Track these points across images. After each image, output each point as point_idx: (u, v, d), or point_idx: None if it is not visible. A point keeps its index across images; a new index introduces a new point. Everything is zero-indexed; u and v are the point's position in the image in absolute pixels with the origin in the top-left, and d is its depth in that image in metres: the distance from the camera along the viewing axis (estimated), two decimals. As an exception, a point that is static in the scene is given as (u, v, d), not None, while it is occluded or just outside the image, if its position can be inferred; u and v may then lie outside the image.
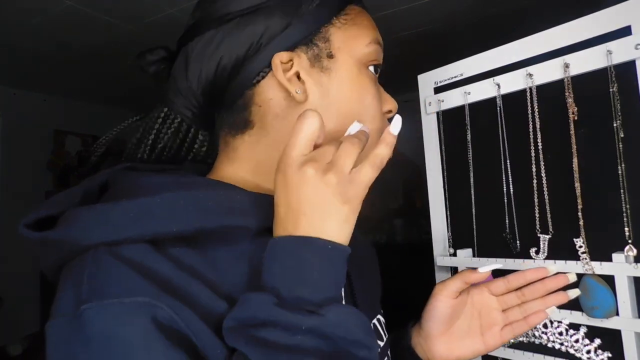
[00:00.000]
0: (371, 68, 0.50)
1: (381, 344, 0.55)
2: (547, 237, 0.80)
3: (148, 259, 0.36)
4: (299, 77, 0.46)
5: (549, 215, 0.80)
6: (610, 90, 0.73)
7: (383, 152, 0.39)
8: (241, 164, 0.48)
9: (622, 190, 0.71)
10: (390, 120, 0.44)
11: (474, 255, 0.92)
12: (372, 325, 0.54)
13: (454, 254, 0.94)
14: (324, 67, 0.47)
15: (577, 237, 0.76)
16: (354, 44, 0.48)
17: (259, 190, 0.46)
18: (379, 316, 0.58)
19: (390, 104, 0.52)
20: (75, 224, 0.38)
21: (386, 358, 0.56)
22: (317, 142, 0.39)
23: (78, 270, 0.36)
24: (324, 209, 0.36)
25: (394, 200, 3.43)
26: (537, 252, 0.81)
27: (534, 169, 0.82)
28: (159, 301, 0.34)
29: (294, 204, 0.36)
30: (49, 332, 0.34)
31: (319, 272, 0.35)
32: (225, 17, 0.45)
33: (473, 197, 0.92)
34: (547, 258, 0.80)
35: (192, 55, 0.47)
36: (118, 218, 0.37)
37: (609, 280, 0.72)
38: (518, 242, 0.85)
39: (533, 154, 0.82)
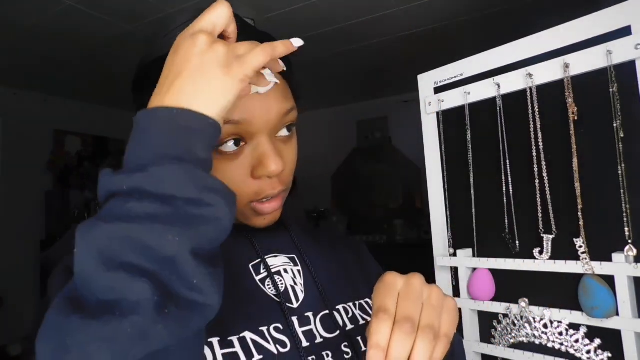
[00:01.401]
0: (229, 144, 0.43)
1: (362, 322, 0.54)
2: (551, 237, 0.80)
3: None
4: None
5: (551, 215, 0.80)
6: (610, 90, 0.73)
7: (279, 46, 0.37)
8: None
9: (622, 190, 0.71)
10: None
11: (474, 255, 0.92)
12: (354, 305, 0.54)
13: (454, 254, 0.94)
14: None
15: (577, 237, 0.76)
16: None
17: None
18: (367, 299, 0.57)
19: (264, 169, 0.44)
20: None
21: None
22: (228, 36, 0.38)
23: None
24: (203, 73, 0.34)
25: (394, 200, 3.44)
26: (540, 252, 0.81)
27: (534, 169, 0.82)
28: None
29: (176, 66, 0.35)
30: None
31: (159, 135, 0.32)
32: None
33: (473, 197, 0.92)
34: (550, 258, 0.80)
35: None
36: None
37: (609, 280, 0.72)
38: (517, 242, 0.85)
39: (533, 154, 0.83)
